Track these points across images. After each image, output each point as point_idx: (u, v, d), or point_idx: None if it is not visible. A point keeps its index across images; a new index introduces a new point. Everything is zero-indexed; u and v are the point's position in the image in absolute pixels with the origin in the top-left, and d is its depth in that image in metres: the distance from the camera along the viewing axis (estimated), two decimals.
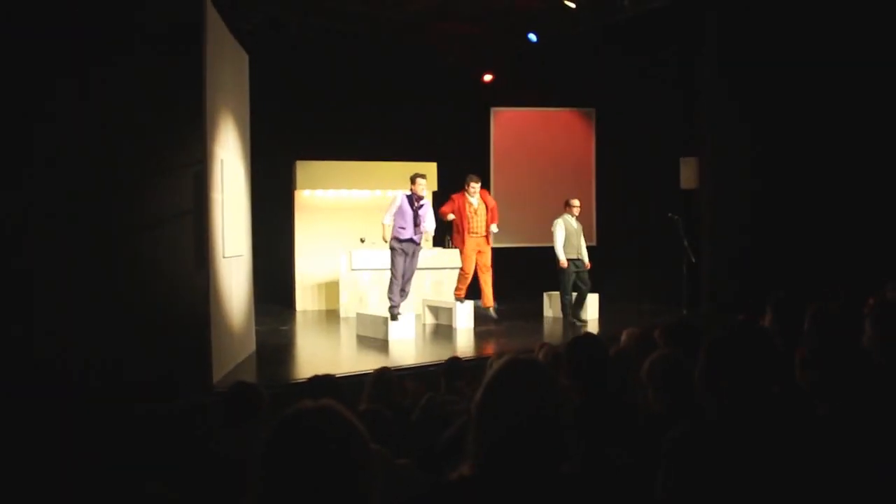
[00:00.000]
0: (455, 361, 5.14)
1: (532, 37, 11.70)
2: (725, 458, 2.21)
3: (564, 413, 1.86)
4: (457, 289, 10.01)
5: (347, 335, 9.51)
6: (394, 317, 8.86)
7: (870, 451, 2.43)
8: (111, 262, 5.75)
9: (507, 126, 13.79)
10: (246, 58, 8.35)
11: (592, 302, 10.79)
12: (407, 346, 8.58)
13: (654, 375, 3.35)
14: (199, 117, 6.28)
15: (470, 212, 9.63)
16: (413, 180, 9.05)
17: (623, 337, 5.37)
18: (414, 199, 8.99)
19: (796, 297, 4.08)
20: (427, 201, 9.33)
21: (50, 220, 5.46)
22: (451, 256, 11.62)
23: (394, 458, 3.18)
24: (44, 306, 5.43)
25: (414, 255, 9.22)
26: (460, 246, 9.83)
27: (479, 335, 9.21)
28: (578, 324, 9.81)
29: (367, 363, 7.35)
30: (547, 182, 13.47)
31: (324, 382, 4.15)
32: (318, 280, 12.43)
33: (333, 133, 12.39)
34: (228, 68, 7.42)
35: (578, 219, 10.17)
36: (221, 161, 6.80)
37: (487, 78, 13.31)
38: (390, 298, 9.04)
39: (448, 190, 12.64)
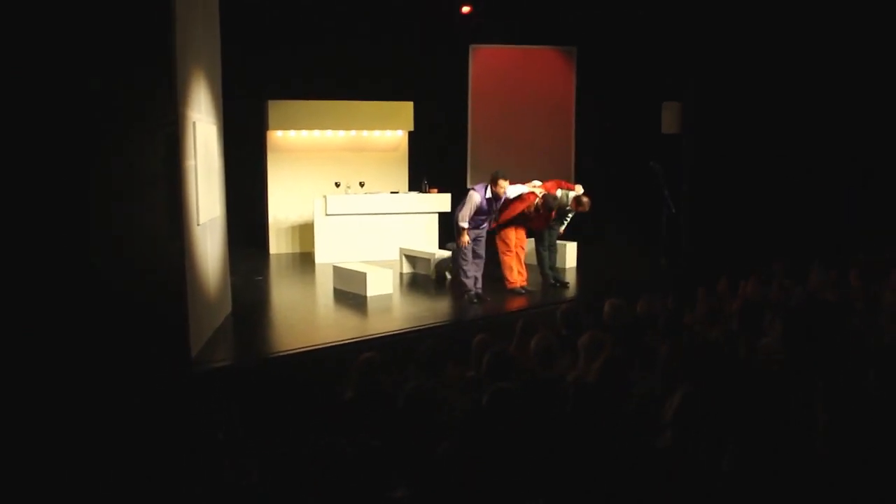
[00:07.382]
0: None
1: None
2: None
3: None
4: (508, 280, 9.13)
5: (324, 290, 9.32)
6: (471, 300, 8.55)
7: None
8: (78, 234, 5.45)
9: (486, 64, 13.37)
10: None
11: (571, 250, 10.71)
12: (385, 303, 8.48)
13: None
14: (169, 79, 5.90)
15: (529, 212, 9.11)
16: (496, 182, 8.54)
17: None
18: (493, 201, 8.64)
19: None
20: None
21: (11, 190, 5.15)
22: (428, 201, 11.44)
23: (377, 446, 3.21)
24: (6, 280, 5.17)
25: (482, 240, 8.89)
26: (499, 230, 9.18)
27: (457, 286, 9.03)
28: (556, 284, 9.44)
29: (348, 329, 7.25)
30: (526, 123, 13.21)
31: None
32: (293, 223, 12.19)
33: (307, 72, 11.95)
34: (199, 14, 6.96)
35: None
36: (193, 123, 6.46)
37: (465, 9, 12.82)
38: (465, 283, 8.70)
39: (425, 130, 12.39)
